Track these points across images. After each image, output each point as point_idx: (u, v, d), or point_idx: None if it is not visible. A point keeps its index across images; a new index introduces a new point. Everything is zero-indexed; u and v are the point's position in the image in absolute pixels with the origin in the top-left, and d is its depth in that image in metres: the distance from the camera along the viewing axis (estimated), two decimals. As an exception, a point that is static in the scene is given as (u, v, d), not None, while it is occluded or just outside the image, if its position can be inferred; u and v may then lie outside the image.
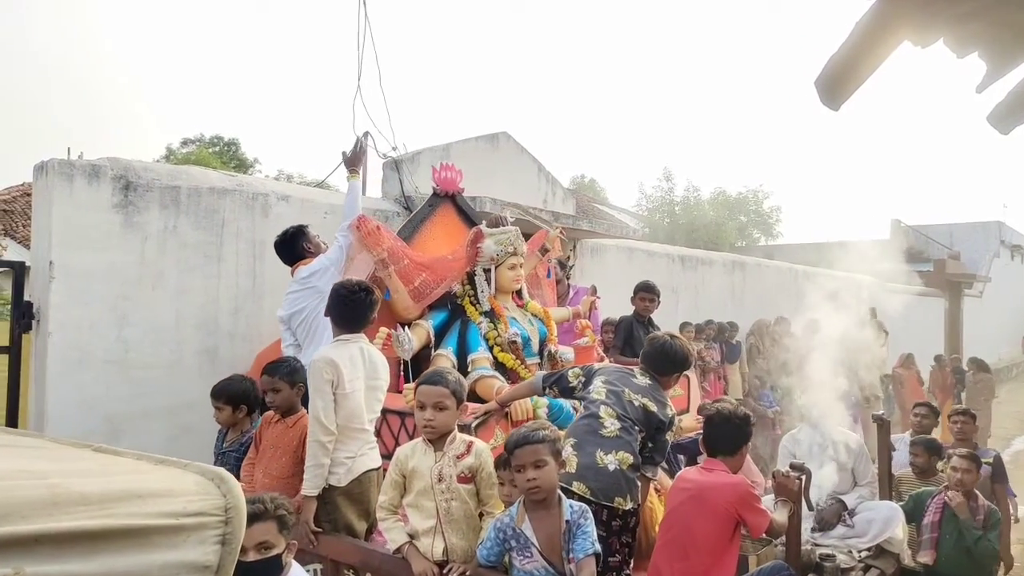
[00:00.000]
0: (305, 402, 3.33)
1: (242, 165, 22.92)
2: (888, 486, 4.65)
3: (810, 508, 4.16)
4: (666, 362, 3.30)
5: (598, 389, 3.16)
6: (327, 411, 3.07)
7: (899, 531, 4.15)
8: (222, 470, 1.21)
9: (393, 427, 3.68)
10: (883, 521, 4.15)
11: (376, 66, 5.35)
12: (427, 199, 4.88)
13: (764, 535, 2.99)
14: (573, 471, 2.87)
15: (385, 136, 5.66)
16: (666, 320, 7.01)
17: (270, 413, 3.49)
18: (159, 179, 4.38)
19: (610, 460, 2.91)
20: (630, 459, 2.95)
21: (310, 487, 3.07)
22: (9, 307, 4.24)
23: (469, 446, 2.86)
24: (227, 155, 23.49)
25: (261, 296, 4.68)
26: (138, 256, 4.25)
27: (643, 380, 3.24)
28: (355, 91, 5.22)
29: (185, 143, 24.14)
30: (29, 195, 11.35)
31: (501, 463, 2.86)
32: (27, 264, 4.37)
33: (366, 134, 5.64)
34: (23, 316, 4.11)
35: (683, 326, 8.04)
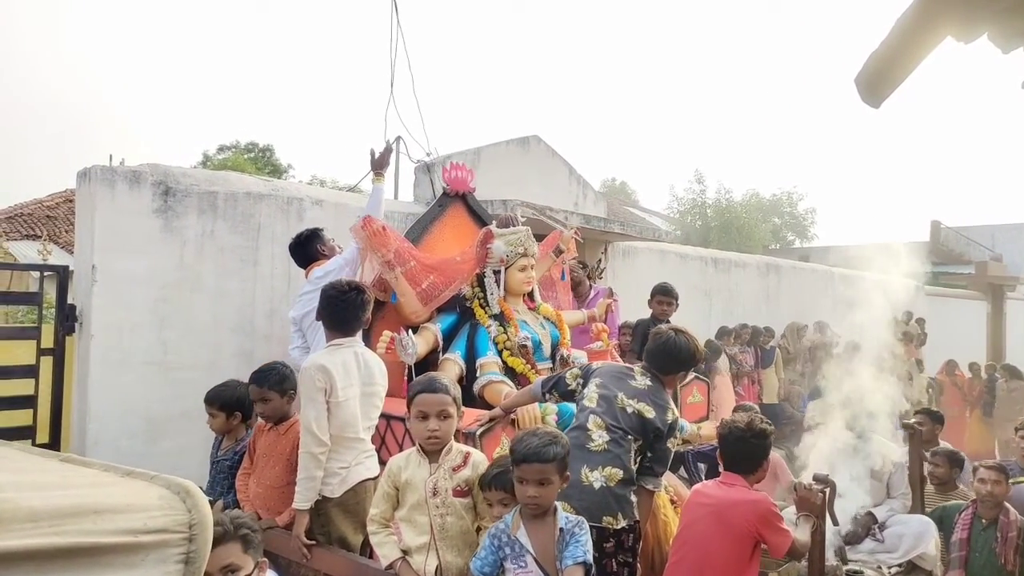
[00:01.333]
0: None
1: (276, 171, 23.22)
2: (921, 499, 4.44)
3: (835, 523, 3.99)
4: (669, 360, 3.03)
5: (590, 395, 2.96)
6: (319, 421, 2.92)
7: (932, 547, 3.98)
8: (190, 484, 1.14)
9: (397, 434, 3.56)
10: (915, 536, 3.99)
11: (409, 72, 5.36)
12: (437, 199, 4.77)
13: (786, 555, 2.82)
14: None
15: (419, 142, 5.66)
16: (699, 324, 6.96)
17: (262, 421, 3.39)
18: (197, 184, 4.47)
19: (596, 477, 2.73)
20: (620, 474, 2.76)
21: (302, 500, 2.93)
22: (53, 310, 4.35)
23: (466, 457, 2.71)
24: (262, 161, 23.80)
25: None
26: (177, 260, 4.34)
27: (642, 382, 3.00)
28: (388, 99, 5.24)
29: (221, 149, 24.51)
30: (71, 201, 11.63)
31: (486, 483, 2.64)
32: (70, 268, 4.48)
33: (398, 139, 5.67)
34: (66, 319, 4.22)
35: (720, 332, 7.98)
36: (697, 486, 3.02)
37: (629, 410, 2.89)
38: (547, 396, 3.23)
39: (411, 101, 5.71)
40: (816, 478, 3.17)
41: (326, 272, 3.88)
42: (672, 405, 3.03)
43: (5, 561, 0.90)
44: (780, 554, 2.80)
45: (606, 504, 2.73)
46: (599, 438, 2.82)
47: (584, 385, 3.06)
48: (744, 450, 2.85)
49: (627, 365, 3.20)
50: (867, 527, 4.13)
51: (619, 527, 2.73)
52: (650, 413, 2.91)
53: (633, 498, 2.84)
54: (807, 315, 9.45)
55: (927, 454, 4.69)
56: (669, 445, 2.97)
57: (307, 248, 4.17)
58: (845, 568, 3.72)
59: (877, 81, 1.41)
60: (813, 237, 24.79)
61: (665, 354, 3.05)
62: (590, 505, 2.70)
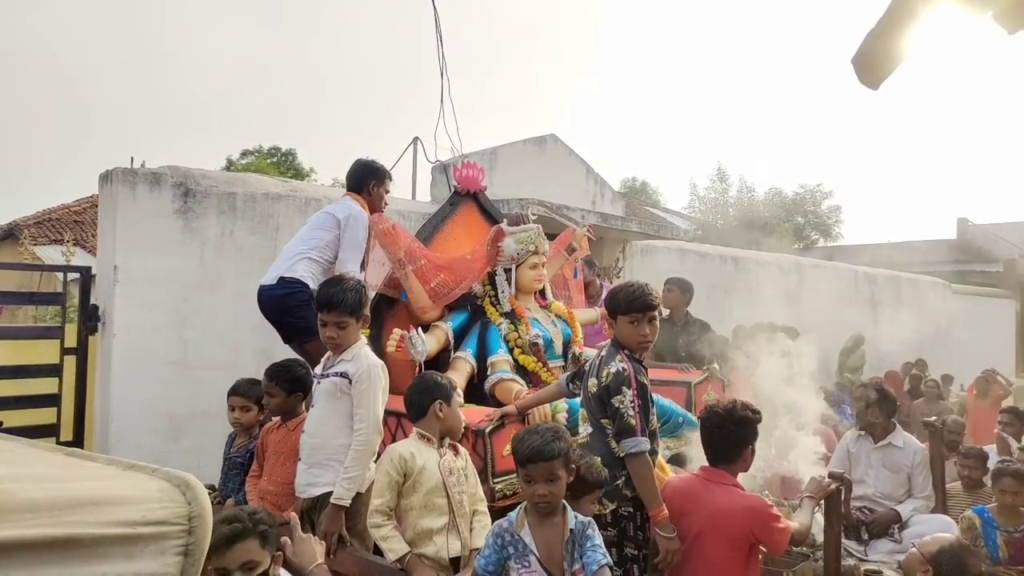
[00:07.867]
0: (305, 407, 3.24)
1: (299, 174, 23.41)
2: (942, 498, 4.40)
3: (851, 522, 3.94)
4: (613, 301, 2.88)
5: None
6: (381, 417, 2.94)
7: None
8: (190, 476, 1.15)
9: (407, 432, 3.40)
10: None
11: (447, 78, 5.38)
12: (448, 198, 4.75)
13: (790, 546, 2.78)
14: None
15: (457, 149, 5.66)
16: (719, 323, 6.90)
17: (271, 423, 3.43)
18: (216, 186, 4.53)
19: None
20: (597, 460, 2.72)
21: (346, 496, 2.83)
22: (77, 311, 4.43)
23: (454, 445, 2.81)
24: (284, 165, 24.02)
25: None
26: (197, 260, 4.40)
27: (600, 353, 2.91)
28: (437, 119, 5.27)
29: (244, 154, 24.78)
30: (98, 206, 11.84)
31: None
32: (93, 270, 4.57)
33: (415, 140, 5.69)
34: (89, 319, 4.30)
35: (737, 331, 7.89)
36: (680, 476, 2.93)
37: (591, 391, 2.85)
38: (572, 386, 3.21)
39: (442, 104, 5.71)
40: (832, 475, 3.12)
41: (347, 215, 3.79)
42: (614, 359, 2.83)
43: (3, 551, 0.91)
44: (781, 551, 2.77)
45: None
46: (584, 431, 2.86)
47: None
48: (722, 439, 2.79)
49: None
50: (887, 524, 4.08)
51: (607, 511, 2.71)
52: (593, 383, 2.84)
53: (617, 481, 2.76)
54: (831, 315, 9.33)
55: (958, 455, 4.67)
56: (615, 402, 2.76)
57: (368, 177, 4.00)
58: (864, 567, 3.67)
59: (874, 61, 1.38)
60: (838, 236, 24.51)
61: (611, 295, 2.95)
62: None
